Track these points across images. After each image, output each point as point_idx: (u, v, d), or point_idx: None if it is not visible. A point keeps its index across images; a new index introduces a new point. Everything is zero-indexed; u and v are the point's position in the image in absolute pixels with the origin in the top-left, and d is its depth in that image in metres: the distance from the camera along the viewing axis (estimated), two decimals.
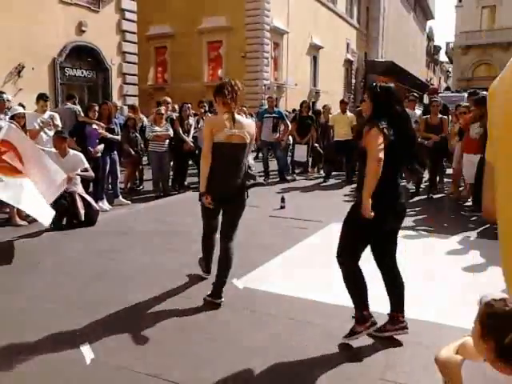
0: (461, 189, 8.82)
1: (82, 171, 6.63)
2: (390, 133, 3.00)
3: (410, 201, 8.45)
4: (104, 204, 7.54)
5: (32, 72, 13.26)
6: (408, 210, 7.48)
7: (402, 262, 5.02)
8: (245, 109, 12.80)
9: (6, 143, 5.77)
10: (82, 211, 6.31)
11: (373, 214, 2.96)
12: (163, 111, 9.00)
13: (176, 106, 11.51)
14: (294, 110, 12.78)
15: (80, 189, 6.57)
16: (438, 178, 9.32)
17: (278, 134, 10.73)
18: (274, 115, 10.78)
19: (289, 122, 11.04)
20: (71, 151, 6.66)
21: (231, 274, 4.02)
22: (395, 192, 3.18)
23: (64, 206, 6.24)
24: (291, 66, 25.18)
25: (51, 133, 7.65)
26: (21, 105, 8.92)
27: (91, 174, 6.85)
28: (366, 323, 3.18)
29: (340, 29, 32.11)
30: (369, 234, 3.18)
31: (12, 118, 6.75)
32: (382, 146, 2.96)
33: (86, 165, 6.71)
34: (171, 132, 8.84)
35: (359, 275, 3.21)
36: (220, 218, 4.06)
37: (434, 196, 8.73)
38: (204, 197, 3.77)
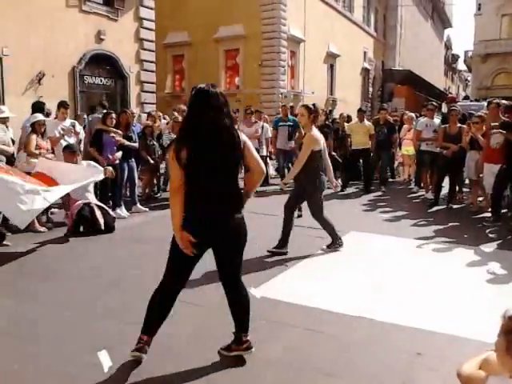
0: (480, 199, 8.68)
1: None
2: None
3: (429, 211, 8.35)
4: (122, 211, 7.59)
5: (52, 80, 13.45)
6: (427, 220, 7.51)
7: (421, 273, 4.98)
8: (266, 117, 12.88)
9: (40, 175, 6.28)
10: (102, 220, 6.38)
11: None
12: (180, 119, 9.04)
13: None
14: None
15: (93, 198, 6.66)
16: (457, 188, 9.18)
17: (293, 143, 10.68)
18: (288, 123, 10.75)
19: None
20: (83, 162, 6.82)
21: (248, 282, 3.92)
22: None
23: (86, 217, 6.34)
24: (308, 75, 25.16)
25: (72, 140, 7.78)
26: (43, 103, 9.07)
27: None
28: None
29: (357, 37, 32.03)
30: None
31: (32, 125, 6.86)
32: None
33: (101, 168, 6.78)
34: None
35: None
36: None
37: (454, 206, 8.61)
38: None
